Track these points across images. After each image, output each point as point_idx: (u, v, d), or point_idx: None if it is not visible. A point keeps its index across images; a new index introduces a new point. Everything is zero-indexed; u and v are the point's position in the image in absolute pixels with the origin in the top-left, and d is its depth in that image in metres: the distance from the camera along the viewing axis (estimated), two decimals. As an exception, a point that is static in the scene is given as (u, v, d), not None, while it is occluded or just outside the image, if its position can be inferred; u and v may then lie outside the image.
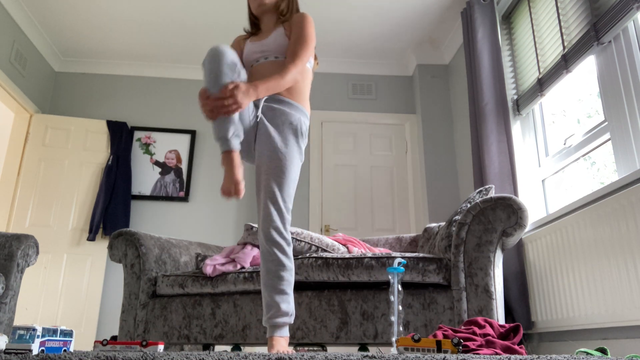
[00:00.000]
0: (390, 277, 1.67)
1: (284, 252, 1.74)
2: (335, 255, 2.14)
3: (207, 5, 3.93)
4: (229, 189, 1.73)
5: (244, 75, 1.75)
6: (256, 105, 1.89)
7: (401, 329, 1.64)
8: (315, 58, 2.04)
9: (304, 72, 1.89)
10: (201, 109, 1.71)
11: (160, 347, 1.67)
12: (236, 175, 1.73)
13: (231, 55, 1.68)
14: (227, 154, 1.75)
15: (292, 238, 2.44)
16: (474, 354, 1.32)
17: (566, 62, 2.71)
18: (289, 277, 1.75)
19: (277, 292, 1.72)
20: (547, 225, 2.69)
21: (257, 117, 1.87)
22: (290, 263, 1.76)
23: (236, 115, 1.71)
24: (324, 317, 2.11)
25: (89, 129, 4.43)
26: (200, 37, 4.34)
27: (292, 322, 1.76)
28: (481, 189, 2.35)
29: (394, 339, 1.60)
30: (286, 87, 1.82)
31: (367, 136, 4.58)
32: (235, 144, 1.75)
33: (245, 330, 2.21)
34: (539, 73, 3.02)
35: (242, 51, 2.07)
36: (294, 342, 2.14)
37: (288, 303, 1.73)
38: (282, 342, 1.70)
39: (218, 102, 1.64)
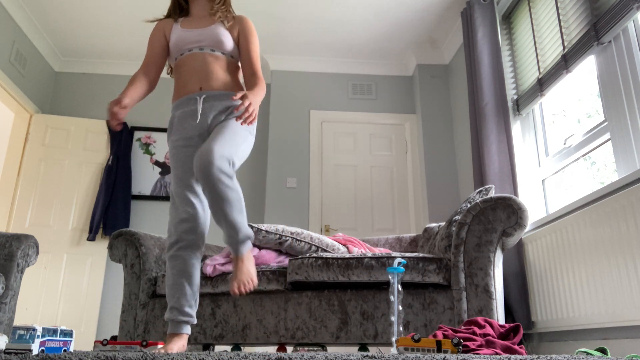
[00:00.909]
0: (390, 277, 1.67)
1: (227, 175, 1.73)
2: (335, 255, 2.14)
3: (207, 5, 3.93)
4: None
5: None
6: (195, 110, 1.88)
7: (401, 329, 1.64)
8: None
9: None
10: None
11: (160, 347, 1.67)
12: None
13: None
14: (179, 337, 1.75)
15: (292, 238, 2.44)
16: (474, 354, 1.32)
17: (566, 62, 2.71)
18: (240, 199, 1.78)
19: (235, 214, 1.74)
20: (547, 225, 2.69)
21: (204, 121, 1.87)
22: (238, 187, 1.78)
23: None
24: (324, 317, 2.10)
25: (89, 129, 4.43)
26: (200, 37, 4.33)
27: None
28: (481, 189, 2.35)
29: (394, 339, 1.60)
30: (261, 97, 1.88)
31: (367, 136, 4.58)
32: (188, 329, 1.77)
33: (245, 330, 2.21)
34: (539, 73, 3.02)
35: (168, 35, 2.03)
36: (294, 342, 2.14)
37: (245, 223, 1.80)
38: (249, 254, 1.79)
39: (247, 114, 1.72)
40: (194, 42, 1.94)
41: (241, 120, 1.73)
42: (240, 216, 1.75)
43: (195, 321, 1.76)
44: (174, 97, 1.97)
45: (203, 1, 2.03)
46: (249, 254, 1.79)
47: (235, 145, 1.78)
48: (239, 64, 2.05)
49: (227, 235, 1.75)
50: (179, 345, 1.70)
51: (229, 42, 1.96)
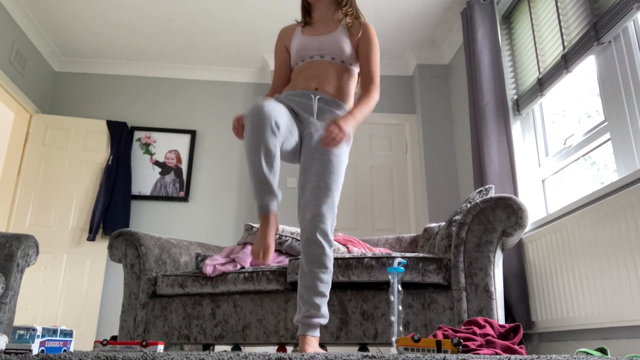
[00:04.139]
0: (390, 277, 1.67)
1: (327, 254, 1.75)
2: (335, 255, 2.14)
3: (207, 6, 3.93)
4: (259, 252, 1.71)
5: (285, 134, 1.72)
6: (310, 105, 1.87)
7: (401, 329, 1.64)
8: None
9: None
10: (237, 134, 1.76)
11: (160, 347, 1.67)
12: (269, 239, 1.71)
13: (274, 118, 1.64)
14: (265, 215, 1.72)
15: (292, 238, 2.44)
16: (474, 354, 1.32)
17: (566, 62, 2.71)
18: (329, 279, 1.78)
19: (317, 294, 1.73)
20: (547, 225, 2.69)
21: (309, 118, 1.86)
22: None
23: (277, 178, 1.70)
24: (324, 317, 2.10)
25: (89, 129, 4.43)
26: (200, 37, 4.34)
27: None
28: (481, 189, 2.35)
29: (394, 339, 1.60)
30: (371, 110, 1.85)
31: (367, 136, 4.58)
32: (275, 205, 1.71)
33: (245, 330, 2.21)
34: (539, 73, 3.02)
35: (288, 43, 2.02)
36: (294, 342, 2.14)
37: (326, 305, 1.77)
38: (314, 341, 1.73)
39: (328, 138, 1.65)
40: (315, 50, 1.93)
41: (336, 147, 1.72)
42: (327, 291, 1.76)
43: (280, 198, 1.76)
44: (286, 89, 1.96)
45: (325, 5, 1.99)
46: (317, 342, 1.75)
47: (338, 190, 1.80)
48: (356, 72, 2.00)
49: (304, 310, 1.73)
50: (274, 223, 1.72)
51: (349, 51, 1.93)
